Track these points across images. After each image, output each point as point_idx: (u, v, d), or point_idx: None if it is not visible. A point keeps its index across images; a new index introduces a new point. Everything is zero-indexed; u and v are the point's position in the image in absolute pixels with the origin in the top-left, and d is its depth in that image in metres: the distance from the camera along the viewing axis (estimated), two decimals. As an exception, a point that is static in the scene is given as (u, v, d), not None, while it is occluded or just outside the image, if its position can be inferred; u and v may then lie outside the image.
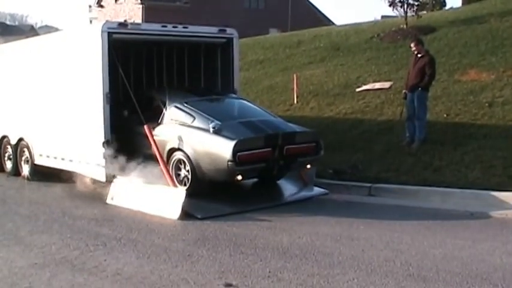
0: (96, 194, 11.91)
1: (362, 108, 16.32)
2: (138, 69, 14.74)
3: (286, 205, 11.08)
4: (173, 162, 11.23)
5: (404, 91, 13.64)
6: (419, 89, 13.09)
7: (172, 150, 11.26)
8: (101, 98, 11.56)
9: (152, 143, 11.12)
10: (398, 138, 13.61)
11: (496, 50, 18.32)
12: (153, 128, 11.56)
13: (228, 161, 10.23)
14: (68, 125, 12.70)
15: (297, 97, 18.17)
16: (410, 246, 8.13)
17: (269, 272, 7.18)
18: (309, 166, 11.51)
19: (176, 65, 14.30)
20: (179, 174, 11.12)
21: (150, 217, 10.22)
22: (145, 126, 11.29)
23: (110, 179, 11.57)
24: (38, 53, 14.05)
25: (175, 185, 10.69)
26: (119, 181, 11.45)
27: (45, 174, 13.79)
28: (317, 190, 11.73)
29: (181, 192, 10.34)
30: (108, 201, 11.38)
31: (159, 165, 10.93)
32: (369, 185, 11.78)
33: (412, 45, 13.67)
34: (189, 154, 10.88)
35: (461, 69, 17.26)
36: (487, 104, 14.39)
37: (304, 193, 11.71)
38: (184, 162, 11.02)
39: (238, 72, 13.60)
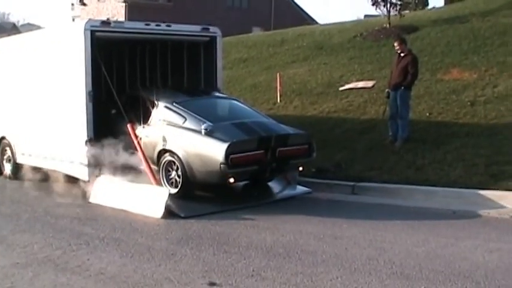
0: (79, 193, 11.86)
1: (345, 107, 16.36)
2: (121, 68, 14.67)
3: (270, 204, 11.09)
4: (163, 164, 11.11)
5: (387, 90, 13.68)
6: (402, 88, 13.14)
7: (162, 152, 11.16)
8: (84, 96, 11.50)
9: (135, 141, 11.07)
10: (381, 137, 13.65)
11: (478, 49, 18.44)
12: (142, 128, 11.54)
13: (221, 164, 10.11)
14: (51, 124, 12.63)
15: (280, 96, 18.19)
16: (394, 244, 8.16)
17: (253, 270, 7.18)
18: (301, 168, 11.42)
19: (159, 63, 14.24)
20: (170, 176, 11.02)
21: (133, 216, 10.19)
22: (129, 125, 11.25)
23: (93, 178, 11.51)
24: (20, 51, 13.97)
25: (158, 184, 10.66)
26: (102, 180, 11.40)
27: (27, 173, 13.70)
28: (300, 189, 11.74)
29: (164, 191, 10.33)
30: (91, 200, 11.33)
31: (143, 164, 10.90)
32: (352, 183, 11.80)
33: (395, 44, 13.72)
34: (180, 156, 10.75)
35: (444, 69, 17.35)
36: (469, 103, 14.47)
37: (288, 192, 11.71)
38: (175, 164, 10.89)
39: (221, 71, 13.57)
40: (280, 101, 18.03)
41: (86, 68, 11.47)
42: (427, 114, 14.47)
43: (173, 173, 10.95)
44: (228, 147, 10.11)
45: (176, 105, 11.54)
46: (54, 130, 12.54)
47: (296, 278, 6.87)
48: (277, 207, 10.70)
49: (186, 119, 11.13)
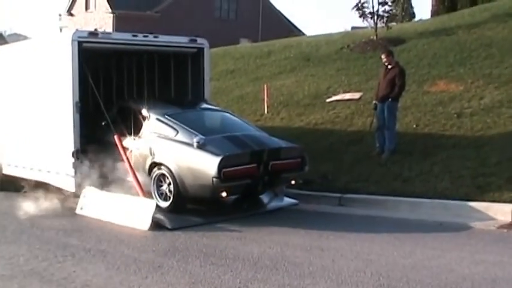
0: (65, 205, 11.81)
1: (332, 118, 16.39)
2: (108, 79, 14.66)
3: (257, 216, 11.07)
4: (155, 177, 10.96)
5: (374, 102, 13.72)
6: (390, 99, 13.19)
7: (154, 165, 11.02)
8: (71, 107, 11.47)
9: (122, 153, 11.04)
10: (368, 149, 13.69)
11: (464, 61, 18.54)
12: (133, 140, 11.47)
13: (213, 178, 9.97)
14: (38, 134, 12.59)
15: (267, 107, 18.20)
16: (380, 256, 8.17)
17: (239, 282, 7.16)
18: (293, 182, 11.30)
19: (146, 74, 14.25)
20: (161, 189, 10.89)
21: (119, 228, 10.16)
22: (116, 136, 11.21)
23: (79, 189, 11.47)
24: (7, 61, 13.95)
25: (145, 196, 10.63)
26: (89, 191, 11.36)
27: (13, 184, 13.63)
28: (287, 200, 11.75)
29: (151, 202, 10.29)
30: (78, 211, 11.29)
31: (130, 175, 10.88)
32: (338, 195, 11.82)
33: (382, 56, 13.78)
34: (171, 169, 10.61)
35: (430, 80, 17.43)
36: (455, 115, 14.53)
37: (275, 203, 11.69)
38: (166, 177, 10.74)
39: (208, 82, 13.57)
40: (267, 112, 18.05)
41: (73, 78, 11.44)
42: (414, 126, 14.52)
43: (164, 186, 10.81)
44: (221, 161, 9.97)
45: (168, 117, 11.41)
46: (41, 141, 12.49)
47: (283, 290, 6.87)
48: (264, 219, 10.69)
49: (178, 132, 11.00)
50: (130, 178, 10.89)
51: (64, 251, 8.72)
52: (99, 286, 7.20)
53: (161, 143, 11.10)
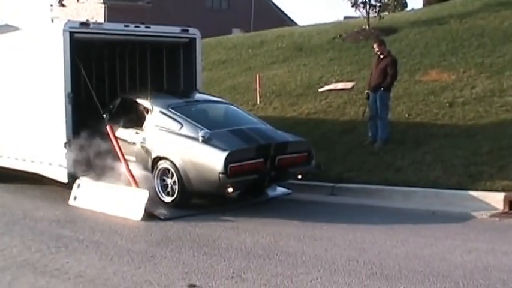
0: (58, 195, 11.80)
1: (324, 108, 16.39)
2: (100, 69, 14.63)
3: (250, 206, 11.07)
4: (158, 171, 10.75)
5: (366, 91, 13.73)
6: (382, 89, 13.19)
7: (157, 159, 10.80)
8: (63, 98, 11.43)
9: (114, 142, 11.00)
10: (360, 138, 13.70)
11: (456, 50, 18.55)
12: (136, 134, 11.32)
13: (220, 173, 9.77)
14: (30, 126, 12.55)
15: (259, 97, 18.19)
16: (373, 245, 8.20)
17: (233, 272, 7.18)
18: (300, 176, 11.07)
19: (138, 64, 14.21)
20: (165, 184, 10.69)
21: (112, 218, 10.16)
22: (108, 127, 11.17)
23: (72, 180, 11.46)
24: (-2, 52, 13.88)
25: (138, 186, 10.62)
26: (82, 182, 11.35)
27: (5, 176, 13.60)
28: (280, 190, 11.72)
29: (144, 193, 10.28)
30: (71, 202, 11.28)
31: (122, 165, 10.87)
32: (331, 184, 11.86)
33: (374, 46, 13.77)
34: (176, 164, 10.40)
35: (423, 70, 17.44)
36: (447, 104, 14.55)
37: (267, 193, 11.68)
38: (170, 171, 10.54)
39: (201, 72, 13.56)
40: (259, 102, 18.03)
41: (64, 69, 11.40)
42: (406, 115, 14.53)
43: (169, 181, 10.62)
44: (228, 156, 9.80)
45: (172, 110, 11.20)
46: (33, 132, 12.45)
47: (276, 279, 6.88)
48: (257, 209, 10.70)
49: (182, 125, 10.79)
50: (124, 168, 10.88)
51: (57, 242, 8.72)
52: (92, 277, 7.20)
53: (165, 137, 10.91)
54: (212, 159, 9.95)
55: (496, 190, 10.32)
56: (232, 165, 9.86)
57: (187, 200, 10.63)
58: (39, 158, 12.28)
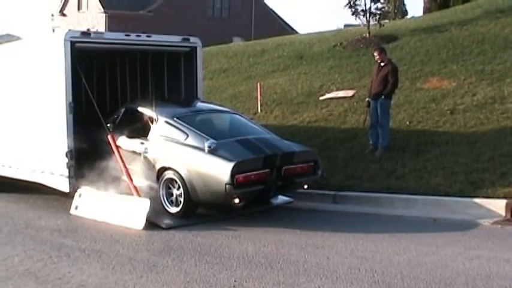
0: (60, 205, 11.80)
1: (325, 116, 16.40)
2: (102, 78, 14.65)
3: (251, 214, 11.05)
4: (164, 182, 10.64)
5: (367, 99, 13.74)
6: (383, 97, 13.20)
7: (163, 169, 10.69)
8: (64, 107, 11.44)
9: (116, 152, 11.02)
10: (361, 146, 13.70)
11: (456, 58, 18.57)
12: (141, 144, 11.23)
13: (226, 184, 9.64)
14: (31, 135, 12.55)
15: (260, 106, 18.21)
16: (375, 253, 8.19)
17: (235, 281, 7.18)
18: (306, 186, 10.98)
19: (140, 73, 14.24)
20: (170, 195, 10.59)
21: (114, 227, 10.15)
22: (109, 136, 11.19)
23: (73, 189, 11.46)
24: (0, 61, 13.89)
25: (139, 195, 10.62)
26: (83, 191, 11.36)
27: (6, 185, 13.60)
28: (281, 198, 11.67)
29: (145, 202, 10.27)
30: (72, 211, 11.27)
31: (124, 174, 10.87)
32: (332, 192, 11.84)
33: (375, 53, 13.78)
34: (182, 174, 10.28)
35: (423, 77, 17.45)
36: (448, 111, 14.56)
37: (272, 202, 11.60)
38: (176, 182, 10.43)
39: (201, 81, 13.57)
40: (260, 110, 18.05)
41: (66, 79, 11.40)
42: (407, 122, 14.54)
43: (174, 192, 10.52)
44: (234, 166, 9.66)
45: (177, 120, 11.11)
46: (34, 141, 12.45)
47: (278, 288, 6.89)
48: (259, 217, 10.70)
49: (188, 136, 10.70)
50: (125, 178, 10.88)
51: (59, 252, 8.72)
52: (94, 286, 7.20)
53: (171, 147, 10.80)
54: (218, 170, 9.84)
55: (498, 197, 10.31)
56: (238, 175, 9.74)
57: (193, 211, 10.57)
58: (40, 168, 12.28)
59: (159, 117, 11.33)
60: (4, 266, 8.16)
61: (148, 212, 10.07)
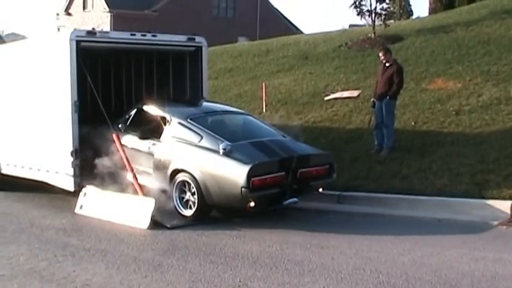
0: (65, 204, 11.81)
1: (330, 116, 16.39)
2: (107, 77, 14.67)
3: (256, 214, 11.02)
4: (177, 184, 10.52)
5: (372, 99, 13.73)
6: (388, 97, 13.18)
7: (176, 171, 10.56)
8: (69, 106, 11.46)
9: (120, 151, 11.02)
10: (366, 147, 13.68)
11: (462, 58, 18.54)
12: (153, 145, 11.14)
13: (242, 187, 9.52)
14: (37, 134, 12.58)
15: (265, 106, 18.19)
16: (380, 253, 8.18)
17: (239, 281, 7.18)
18: (321, 190, 10.91)
19: (145, 73, 14.25)
20: (183, 197, 10.48)
21: (119, 227, 10.16)
22: (114, 135, 11.19)
23: (78, 189, 11.47)
24: (5, 60, 13.92)
25: (144, 194, 10.62)
26: (88, 190, 11.37)
27: (12, 184, 13.63)
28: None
29: (150, 201, 10.28)
30: (77, 211, 11.28)
31: (129, 174, 10.88)
32: (337, 193, 11.82)
33: (380, 54, 13.76)
34: (196, 177, 10.15)
35: (429, 78, 17.43)
36: (454, 112, 14.54)
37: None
38: (189, 184, 10.31)
39: (207, 81, 13.59)
40: (265, 110, 18.03)
41: (71, 78, 11.42)
42: (412, 123, 14.52)
43: (188, 194, 10.41)
44: (250, 170, 9.53)
45: (191, 121, 10.98)
46: (40, 140, 12.48)
47: (283, 288, 6.88)
48: (263, 217, 10.67)
49: (202, 137, 10.56)
50: (130, 177, 10.89)
51: (64, 251, 8.73)
52: (99, 285, 7.21)
53: (184, 149, 10.68)
54: (234, 173, 9.73)
55: (503, 198, 10.30)
56: (254, 178, 9.62)
57: (207, 214, 10.46)
58: (46, 167, 12.31)
59: (172, 118, 11.20)
60: (9, 264, 8.17)
61: (153, 211, 10.07)
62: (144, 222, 10.02)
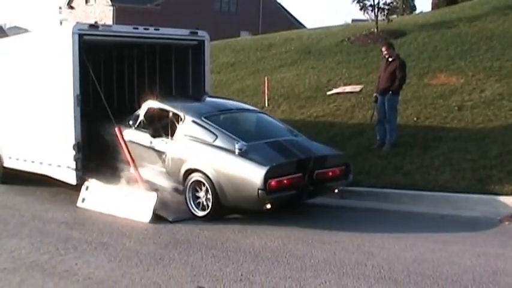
0: (67, 197, 11.83)
1: (333, 111, 16.38)
2: (109, 71, 14.67)
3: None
4: (190, 184, 10.24)
5: (375, 94, 13.71)
6: (390, 92, 13.16)
7: (190, 171, 10.29)
8: (72, 100, 11.45)
9: (123, 145, 11.02)
10: (369, 142, 13.68)
11: (464, 54, 18.53)
12: (165, 144, 10.91)
13: (259, 189, 9.26)
14: (39, 127, 12.59)
15: (268, 100, 18.19)
16: (382, 249, 8.18)
17: (241, 275, 7.18)
18: (336, 191, 10.73)
19: (147, 67, 14.24)
20: (197, 197, 10.21)
21: (121, 220, 10.17)
22: (116, 129, 11.18)
23: (80, 182, 11.48)
24: (7, 54, 13.93)
25: (146, 188, 10.62)
26: (90, 184, 11.37)
27: (15, 177, 13.64)
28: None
29: (152, 195, 10.28)
30: (79, 204, 11.29)
31: (131, 167, 10.88)
32: (340, 187, 11.80)
33: (383, 49, 13.74)
34: (210, 177, 9.88)
35: (431, 73, 17.42)
36: (456, 108, 14.53)
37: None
38: (204, 185, 10.03)
39: (209, 75, 13.55)
40: (267, 105, 18.03)
41: (73, 71, 11.41)
42: (415, 118, 14.51)
43: (201, 195, 10.14)
44: (268, 171, 9.29)
45: (205, 120, 10.70)
46: (42, 134, 12.49)
47: (285, 283, 6.88)
48: (265, 212, 10.66)
49: (217, 137, 10.29)
50: (132, 170, 10.89)
51: (66, 244, 8.74)
52: (101, 279, 7.22)
53: (198, 148, 10.42)
54: (250, 174, 9.48)
55: (506, 194, 10.28)
56: (271, 180, 9.39)
57: (221, 215, 10.19)
58: (48, 160, 12.31)
59: (185, 116, 10.91)
60: (11, 257, 8.19)
61: (155, 205, 10.08)
62: (146, 215, 10.03)
